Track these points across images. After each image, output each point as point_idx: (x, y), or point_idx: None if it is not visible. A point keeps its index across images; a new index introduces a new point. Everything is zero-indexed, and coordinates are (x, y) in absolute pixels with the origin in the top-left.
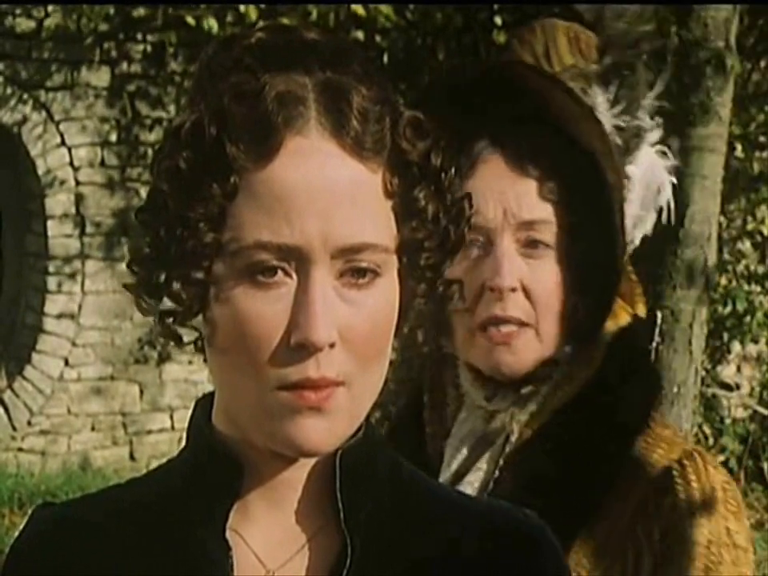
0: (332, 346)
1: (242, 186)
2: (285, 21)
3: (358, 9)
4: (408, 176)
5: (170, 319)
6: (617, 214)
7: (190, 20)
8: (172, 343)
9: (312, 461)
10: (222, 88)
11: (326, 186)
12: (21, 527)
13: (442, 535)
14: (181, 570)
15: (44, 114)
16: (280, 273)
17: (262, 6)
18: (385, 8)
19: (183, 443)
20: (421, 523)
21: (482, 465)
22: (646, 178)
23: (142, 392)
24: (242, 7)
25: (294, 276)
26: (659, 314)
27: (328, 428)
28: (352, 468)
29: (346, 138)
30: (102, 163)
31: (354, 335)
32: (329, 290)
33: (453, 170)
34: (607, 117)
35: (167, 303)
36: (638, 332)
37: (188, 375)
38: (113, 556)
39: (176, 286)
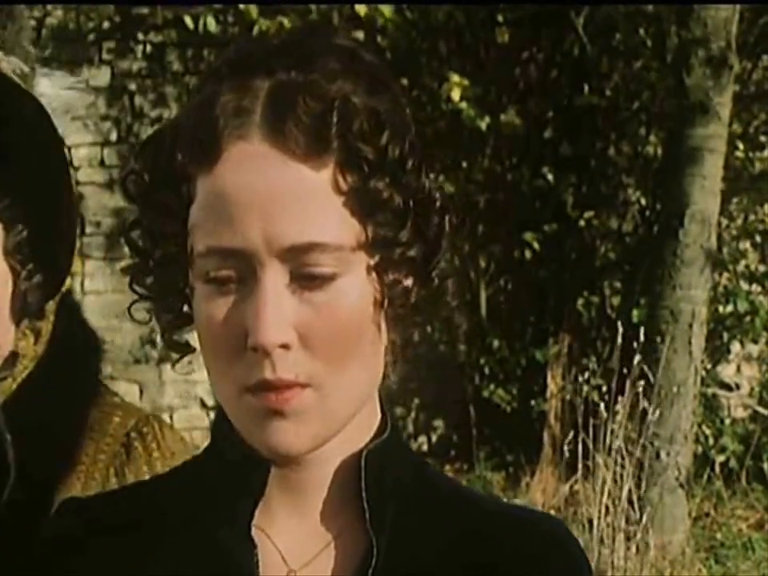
0: (286, 347)
1: (194, 194)
2: (285, 21)
3: (361, 9)
4: (363, 171)
5: (167, 332)
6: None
7: (189, 21)
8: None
9: (336, 459)
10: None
11: (267, 189)
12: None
13: (465, 534)
14: (205, 567)
15: None
16: (233, 277)
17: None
18: (386, 9)
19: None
20: (444, 523)
21: None
22: None
23: (141, 392)
24: (241, 6)
25: (246, 280)
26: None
27: (295, 430)
28: (377, 467)
29: (285, 141)
30: (102, 163)
31: (315, 336)
32: (281, 291)
33: (415, 160)
34: None
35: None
36: (74, 302)
37: (188, 375)
38: (137, 552)
39: (161, 296)
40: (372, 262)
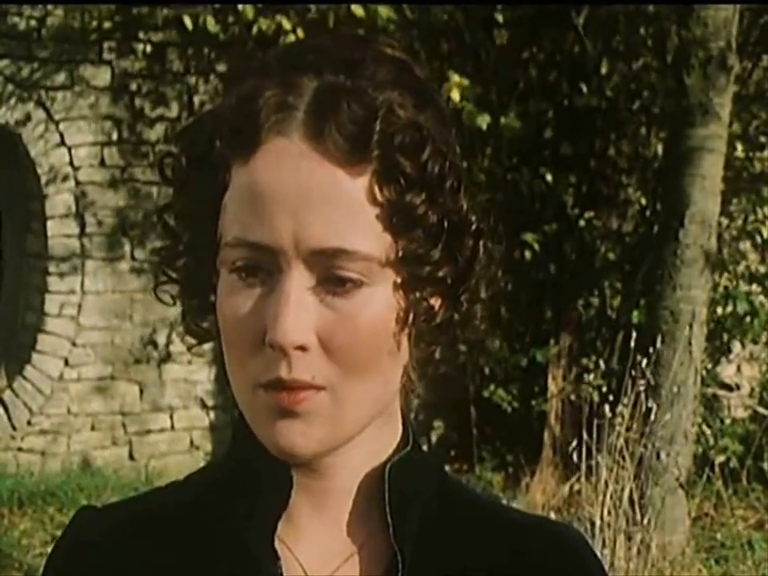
0: (303, 348)
1: (229, 183)
2: (283, 20)
3: (358, 9)
4: (400, 185)
5: (189, 316)
6: None
7: (187, 21)
8: (194, 342)
9: (358, 472)
10: (232, 91)
11: (300, 189)
12: (63, 529)
13: (487, 545)
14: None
15: (44, 113)
16: (259, 271)
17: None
18: (384, 10)
19: (183, 443)
20: (467, 533)
21: None
22: None
23: (142, 392)
24: (239, 6)
25: (272, 275)
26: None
27: (303, 431)
28: (400, 480)
29: (324, 142)
30: (103, 162)
31: (335, 341)
32: (304, 292)
33: (454, 180)
34: None
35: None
36: None
37: (188, 375)
38: (158, 563)
39: (188, 281)
40: (399, 278)
